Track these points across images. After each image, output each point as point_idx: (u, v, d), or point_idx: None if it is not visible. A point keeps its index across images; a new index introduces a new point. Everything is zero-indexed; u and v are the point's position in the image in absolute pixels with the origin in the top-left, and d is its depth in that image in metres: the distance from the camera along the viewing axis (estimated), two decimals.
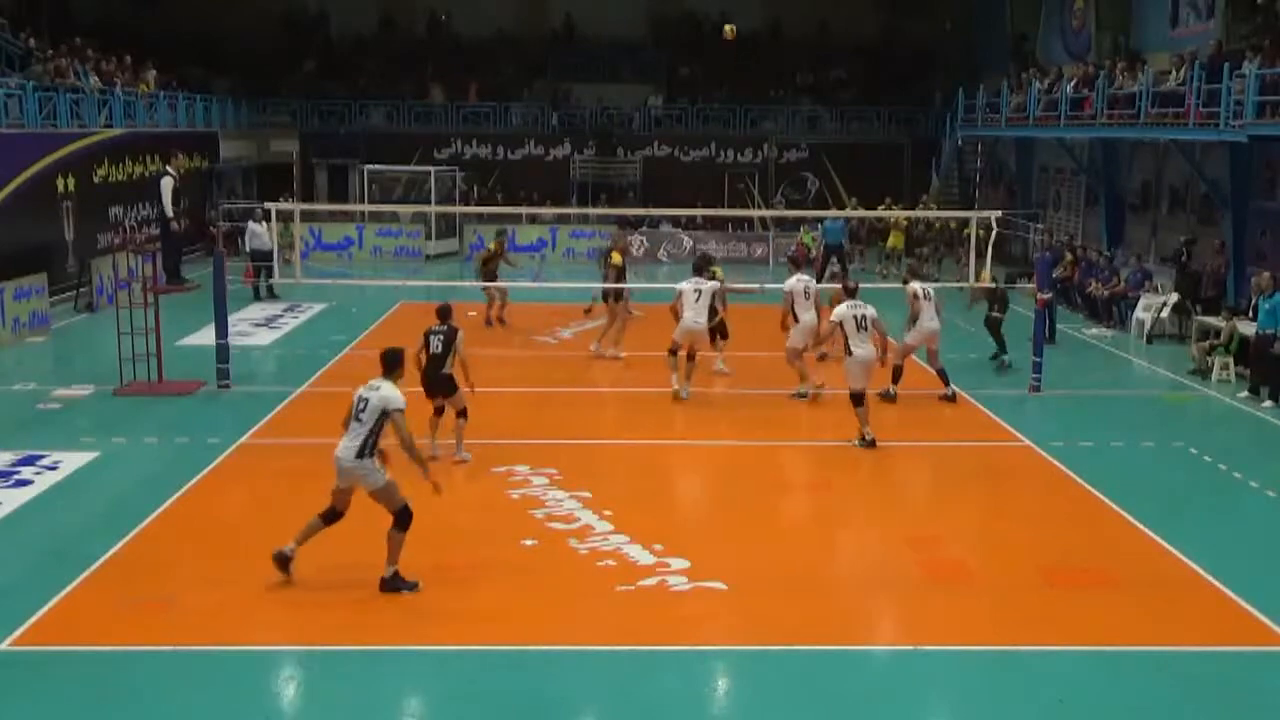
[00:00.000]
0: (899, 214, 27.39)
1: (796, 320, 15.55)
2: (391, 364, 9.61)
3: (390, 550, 9.27)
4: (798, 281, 15.84)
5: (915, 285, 15.76)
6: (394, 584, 9.21)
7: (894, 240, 28.00)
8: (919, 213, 27.57)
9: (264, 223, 23.34)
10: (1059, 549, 10.44)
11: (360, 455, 9.18)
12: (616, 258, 18.39)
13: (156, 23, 34.43)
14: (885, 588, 9.70)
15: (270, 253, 22.41)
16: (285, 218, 21.94)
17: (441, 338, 12.21)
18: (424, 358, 12.20)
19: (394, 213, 30.25)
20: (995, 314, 17.80)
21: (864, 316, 13.22)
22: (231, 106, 33.17)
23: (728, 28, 20.63)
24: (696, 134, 36.19)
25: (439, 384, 12.26)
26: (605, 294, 18.31)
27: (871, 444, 13.12)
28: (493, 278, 20.74)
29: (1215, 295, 19.47)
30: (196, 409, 14.82)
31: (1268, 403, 15.46)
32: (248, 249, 24.29)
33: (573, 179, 34.88)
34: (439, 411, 12.49)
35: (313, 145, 35.44)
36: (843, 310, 13.34)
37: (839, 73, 38.22)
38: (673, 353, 15.29)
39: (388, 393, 9.28)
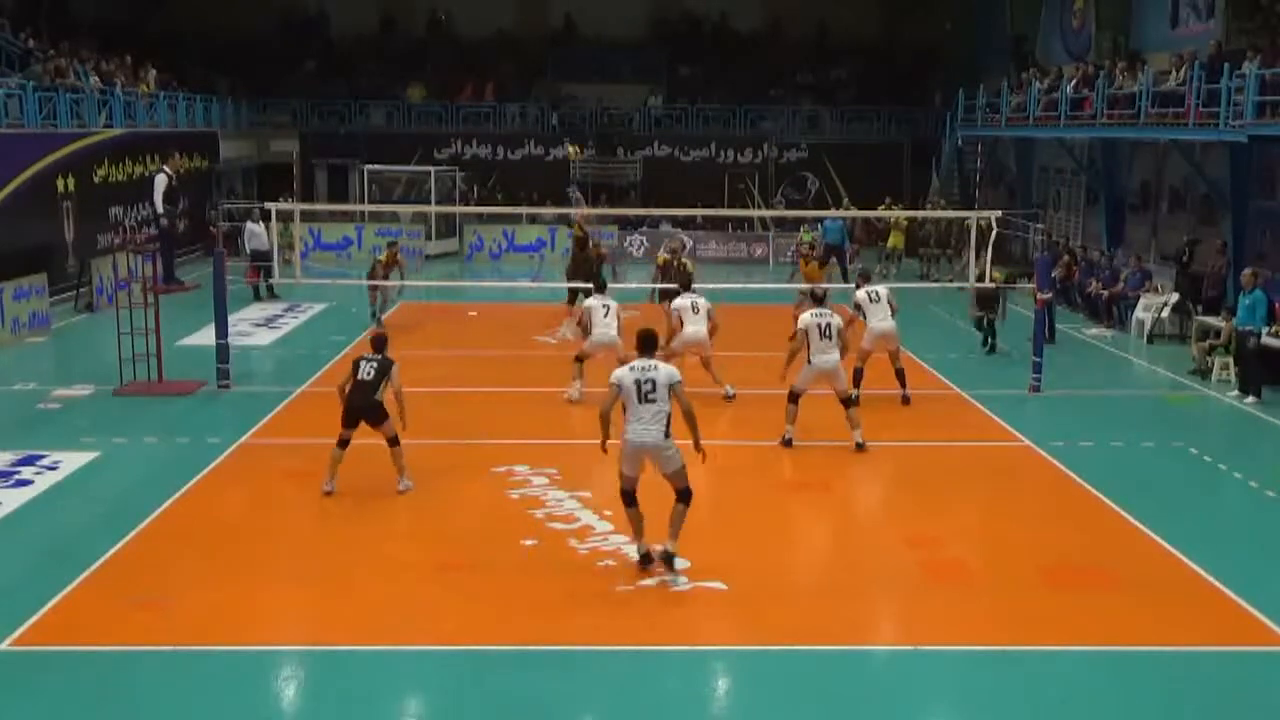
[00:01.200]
0: (899, 214, 27.40)
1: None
2: (649, 344, 9.81)
3: (673, 526, 9.57)
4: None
5: (860, 294, 15.24)
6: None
7: (894, 240, 28.00)
8: (920, 213, 27.57)
9: (262, 223, 23.36)
10: (1059, 549, 10.44)
11: (666, 435, 9.46)
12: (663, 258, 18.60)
13: (156, 23, 34.44)
14: (885, 588, 9.70)
15: (269, 253, 22.42)
16: (285, 218, 21.93)
17: (375, 365, 11.44)
18: (349, 385, 11.46)
19: (394, 213, 30.26)
20: (989, 315, 18.25)
21: (828, 325, 13.07)
22: (231, 106, 33.18)
23: (571, 149, 21.30)
24: (696, 134, 36.21)
25: (367, 411, 11.35)
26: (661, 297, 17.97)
27: (788, 443, 13.19)
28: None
29: (1216, 295, 19.47)
30: (196, 409, 14.82)
31: (1250, 399, 15.56)
32: (247, 249, 24.30)
33: (573, 179, 34.86)
34: (344, 444, 11.42)
35: (313, 145, 35.45)
36: (807, 319, 13.22)
37: (839, 73, 38.24)
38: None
39: (667, 369, 9.67)
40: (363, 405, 11.37)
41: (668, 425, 9.49)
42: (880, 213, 27.35)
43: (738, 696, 8.00)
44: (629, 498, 9.66)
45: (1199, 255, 20.73)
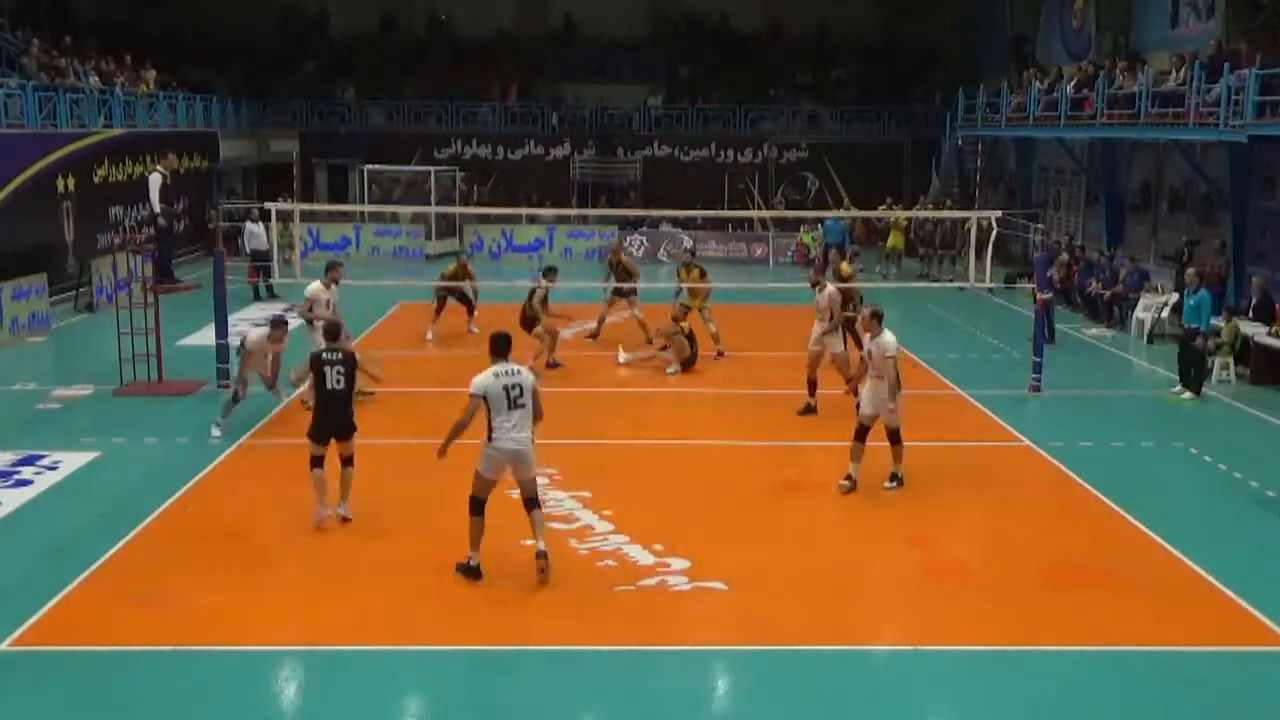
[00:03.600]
0: (899, 214, 27.39)
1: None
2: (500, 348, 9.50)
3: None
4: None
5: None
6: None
7: (894, 240, 27.99)
8: (921, 213, 27.56)
9: (261, 223, 23.36)
10: (1059, 549, 10.44)
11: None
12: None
13: (156, 23, 34.44)
14: (885, 588, 9.71)
15: (268, 252, 22.46)
16: (285, 218, 21.93)
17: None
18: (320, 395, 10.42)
19: (393, 213, 30.26)
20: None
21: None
22: (231, 106, 33.17)
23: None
24: (696, 134, 36.23)
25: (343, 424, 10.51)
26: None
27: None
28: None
29: (1218, 295, 19.45)
30: (196, 409, 14.81)
31: (1188, 394, 15.81)
32: (247, 249, 24.30)
33: (573, 179, 34.89)
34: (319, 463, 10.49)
35: (313, 145, 35.45)
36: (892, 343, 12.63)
37: (839, 73, 38.24)
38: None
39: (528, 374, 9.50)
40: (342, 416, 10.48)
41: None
42: (880, 213, 27.34)
43: (738, 696, 8.00)
44: (480, 505, 9.43)
45: (1199, 255, 20.72)
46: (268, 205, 18.60)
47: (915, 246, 28.41)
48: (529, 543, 10.30)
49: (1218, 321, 17.37)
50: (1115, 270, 22.17)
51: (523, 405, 9.34)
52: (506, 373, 9.34)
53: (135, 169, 25.49)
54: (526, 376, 9.45)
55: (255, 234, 23.86)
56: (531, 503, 9.51)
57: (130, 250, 16.95)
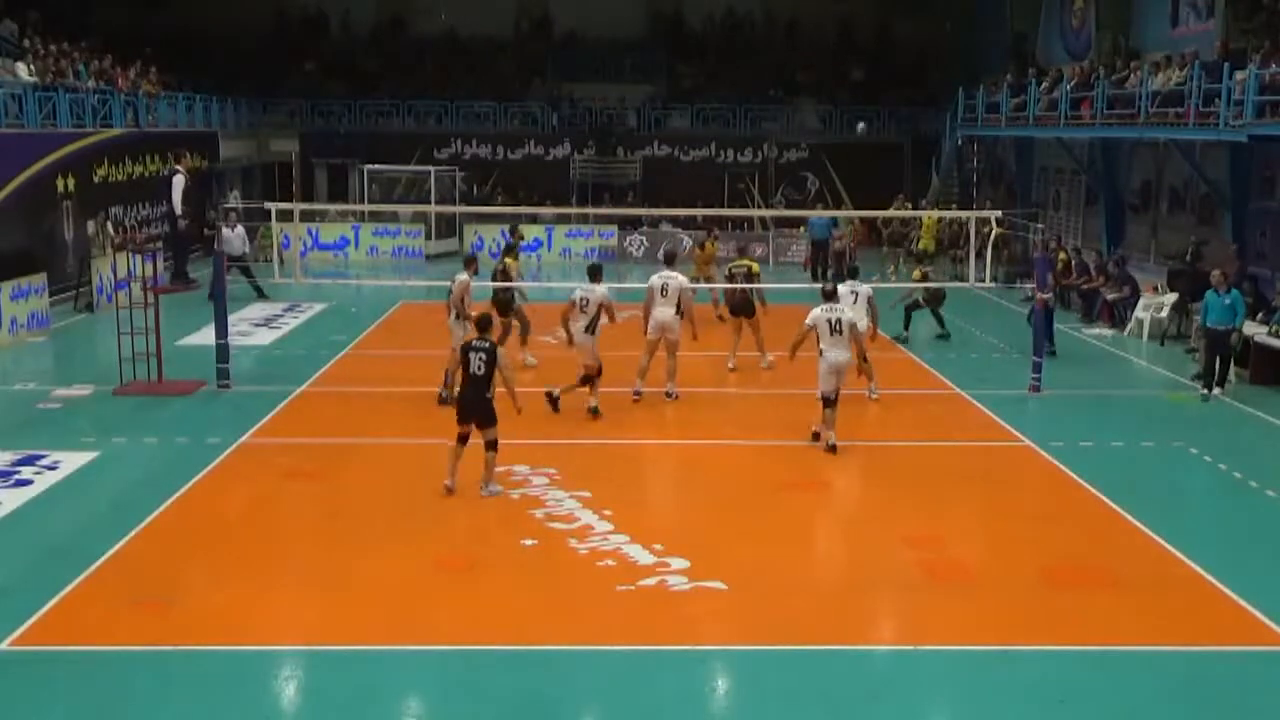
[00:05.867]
0: (900, 214, 27.39)
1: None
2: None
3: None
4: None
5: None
6: None
7: (925, 242, 27.79)
8: (923, 213, 27.57)
9: (237, 226, 23.36)
10: (1059, 549, 10.44)
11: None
12: (755, 266, 18.41)
13: (156, 22, 34.43)
14: (885, 588, 9.70)
15: (241, 256, 22.55)
16: (264, 218, 21.96)
17: (484, 356, 11.08)
18: (463, 377, 11.26)
19: (392, 212, 30.27)
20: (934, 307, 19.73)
21: (838, 320, 13.06)
22: (231, 106, 33.16)
23: None
24: (696, 134, 36.22)
25: (478, 408, 11.22)
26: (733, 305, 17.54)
27: (832, 449, 12.97)
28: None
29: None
30: (196, 409, 14.81)
31: (1204, 393, 15.88)
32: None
33: (573, 179, 34.89)
34: (464, 440, 11.39)
35: (313, 145, 35.46)
36: (816, 313, 13.14)
37: (840, 72, 38.23)
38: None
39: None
40: (475, 401, 11.15)
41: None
42: (892, 213, 27.33)
43: (737, 696, 7.99)
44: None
45: (1207, 255, 20.60)
46: (239, 206, 18.61)
47: (945, 247, 28.33)
48: (529, 543, 10.33)
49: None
50: (1120, 270, 22.12)
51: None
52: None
53: (135, 169, 25.48)
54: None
55: (228, 239, 23.82)
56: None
57: (130, 250, 16.92)
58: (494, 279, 17.08)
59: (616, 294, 16.28)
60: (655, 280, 15.13)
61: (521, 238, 19.26)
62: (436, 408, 14.18)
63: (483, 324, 11.36)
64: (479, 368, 10.97)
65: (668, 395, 15.17)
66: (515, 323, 17.16)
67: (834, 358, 12.96)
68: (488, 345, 11.09)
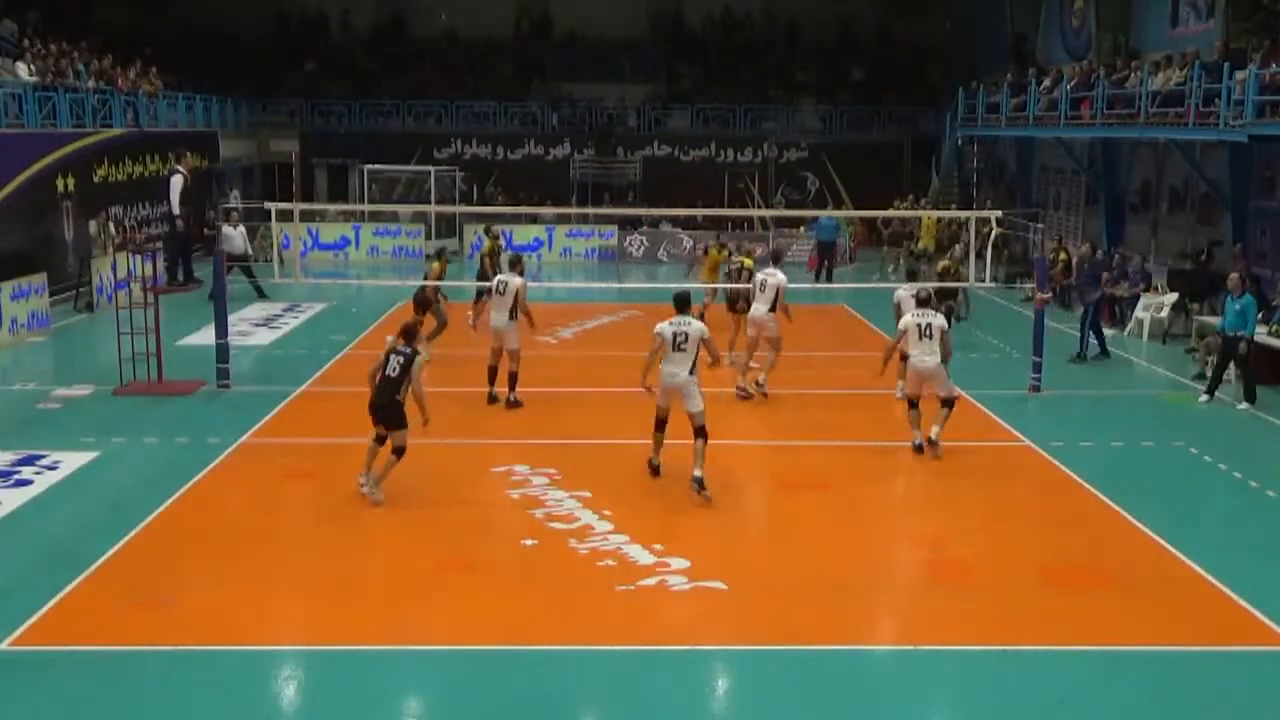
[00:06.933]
0: (901, 214, 27.38)
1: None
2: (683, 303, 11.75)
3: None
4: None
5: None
6: None
7: (925, 241, 27.82)
8: (922, 213, 27.56)
9: (238, 226, 23.36)
10: (1059, 549, 10.44)
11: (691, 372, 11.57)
12: (749, 262, 18.41)
13: (157, 22, 34.44)
14: (885, 588, 9.71)
15: (243, 255, 22.53)
16: (264, 218, 21.98)
17: (401, 360, 11.08)
18: (379, 377, 11.16)
19: (392, 212, 30.27)
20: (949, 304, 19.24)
21: (929, 325, 13.05)
22: (231, 106, 33.17)
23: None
24: (696, 134, 36.23)
25: (388, 410, 11.14)
26: (733, 304, 17.54)
27: (919, 449, 13.03)
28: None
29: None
30: (196, 409, 14.81)
31: (1204, 397, 15.77)
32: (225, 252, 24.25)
33: (573, 179, 34.89)
34: (381, 440, 11.28)
35: (313, 145, 35.46)
36: (908, 319, 13.24)
37: (840, 72, 38.24)
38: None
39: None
40: (384, 404, 11.12)
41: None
42: (894, 212, 27.30)
43: (737, 696, 8.00)
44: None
45: (1218, 256, 20.53)
46: (241, 206, 18.65)
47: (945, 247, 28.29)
48: (529, 543, 10.33)
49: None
50: (1117, 272, 22.11)
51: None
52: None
53: (135, 169, 25.48)
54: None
55: (230, 237, 23.82)
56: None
57: (130, 250, 16.92)
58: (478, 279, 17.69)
59: (617, 294, 16.29)
60: (758, 277, 15.78)
61: (497, 238, 20.71)
62: (485, 406, 14.76)
63: (408, 332, 11.34)
64: (394, 370, 11.02)
65: (757, 386, 15.61)
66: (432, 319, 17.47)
67: (921, 363, 13.02)
68: (408, 352, 11.09)
